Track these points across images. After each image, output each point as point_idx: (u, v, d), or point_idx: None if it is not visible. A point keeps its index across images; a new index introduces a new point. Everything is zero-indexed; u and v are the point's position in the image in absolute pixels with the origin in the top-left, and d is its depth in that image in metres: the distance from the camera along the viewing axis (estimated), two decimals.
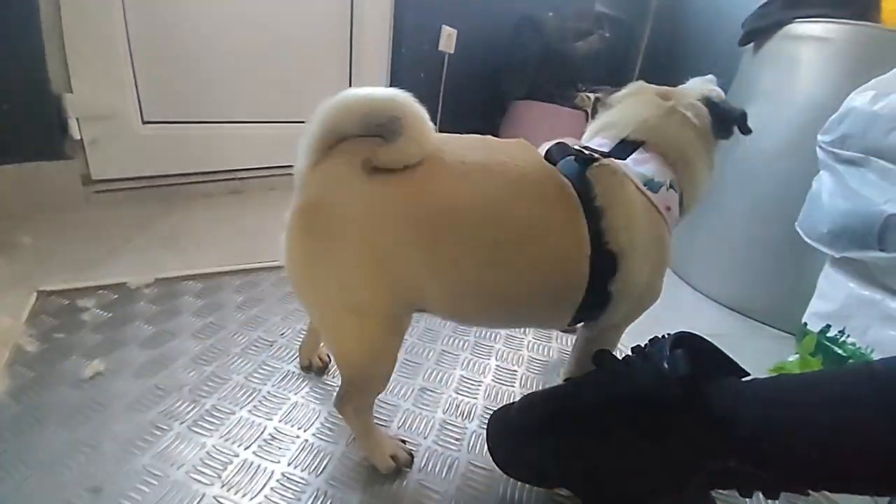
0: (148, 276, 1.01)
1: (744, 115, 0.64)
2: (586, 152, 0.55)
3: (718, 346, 0.55)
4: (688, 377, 0.49)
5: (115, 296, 0.96)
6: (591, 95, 2.31)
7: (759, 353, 1.03)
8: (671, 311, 1.21)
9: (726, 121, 0.63)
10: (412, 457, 0.63)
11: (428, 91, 2.15)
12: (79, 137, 1.32)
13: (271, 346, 0.85)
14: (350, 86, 1.96)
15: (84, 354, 0.78)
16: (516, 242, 0.50)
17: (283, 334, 0.88)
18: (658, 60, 3.28)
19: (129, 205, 1.42)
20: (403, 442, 0.65)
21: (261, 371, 0.79)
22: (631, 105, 0.64)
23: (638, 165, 0.58)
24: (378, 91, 0.47)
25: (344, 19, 1.80)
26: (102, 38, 1.29)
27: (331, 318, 0.53)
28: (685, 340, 0.54)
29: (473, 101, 2.39)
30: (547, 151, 0.57)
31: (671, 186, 0.59)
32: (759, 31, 1.15)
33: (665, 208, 0.58)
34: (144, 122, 1.44)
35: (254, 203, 1.59)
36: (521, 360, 0.89)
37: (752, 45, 1.21)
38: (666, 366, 0.51)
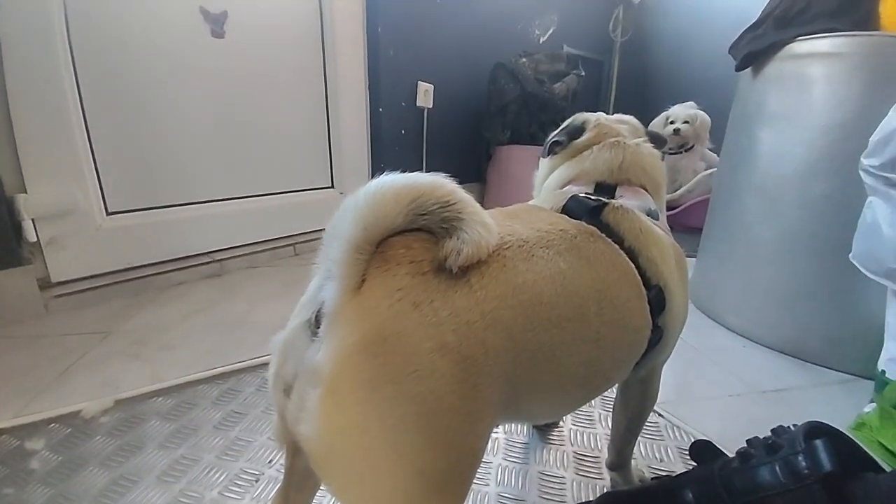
0: (106, 400, 0.86)
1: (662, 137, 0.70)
2: (592, 200, 0.54)
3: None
4: (833, 474, 0.43)
5: (68, 430, 0.80)
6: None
7: (828, 405, 0.91)
8: (714, 361, 1.08)
9: (660, 142, 0.68)
10: None
11: (411, 146, 2.10)
12: (35, 239, 1.19)
13: (256, 482, 0.69)
14: (330, 153, 1.93)
15: None
16: (598, 312, 0.44)
17: (270, 462, 0.72)
18: (630, 92, 3.35)
19: (92, 306, 1.27)
20: None
21: None
22: (602, 150, 0.63)
23: (630, 201, 0.57)
24: (422, 175, 0.36)
25: (318, 82, 1.76)
26: (58, 130, 1.19)
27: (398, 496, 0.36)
28: (820, 432, 0.48)
29: (457, 150, 2.35)
30: (564, 207, 0.54)
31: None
32: (756, 55, 1.09)
33: (668, 232, 0.59)
34: (109, 214, 1.33)
35: (233, 285, 1.46)
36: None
37: (749, 69, 1.15)
38: (802, 461, 0.45)
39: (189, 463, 0.72)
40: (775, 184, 1.07)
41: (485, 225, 0.37)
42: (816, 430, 0.47)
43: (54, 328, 1.15)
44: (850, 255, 0.81)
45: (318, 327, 0.36)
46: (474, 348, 0.35)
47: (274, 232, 1.70)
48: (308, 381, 0.35)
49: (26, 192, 1.16)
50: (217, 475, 0.70)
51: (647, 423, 0.83)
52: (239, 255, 1.60)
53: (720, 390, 0.98)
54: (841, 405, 0.87)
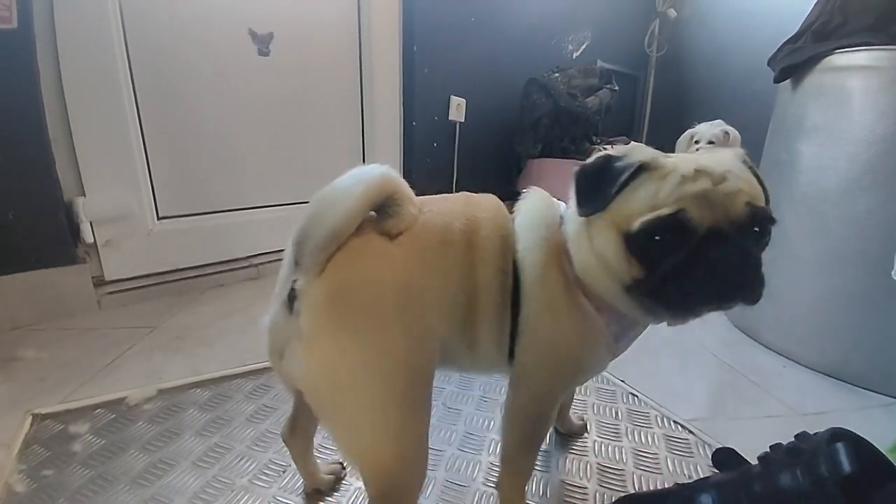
0: (150, 389, 0.91)
1: None
2: None
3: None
4: (852, 478, 0.43)
5: (112, 415, 0.85)
6: (607, 148, 2.29)
7: (871, 429, 0.85)
8: (751, 380, 1.04)
9: None
10: None
11: (442, 158, 2.14)
12: (92, 241, 1.29)
13: (283, 472, 0.71)
14: (364, 161, 1.99)
15: (70, 499, 0.66)
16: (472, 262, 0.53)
17: None
18: (666, 108, 3.30)
19: (140, 303, 1.36)
20: None
21: None
22: None
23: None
24: (374, 172, 0.48)
25: (355, 98, 1.83)
26: (116, 141, 1.29)
27: (366, 418, 0.46)
28: (842, 437, 0.47)
29: (488, 163, 2.37)
30: None
31: None
32: (795, 68, 1.07)
33: None
34: (160, 219, 1.42)
35: (269, 287, 1.50)
36: None
37: (787, 81, 1.12)
38: (823, 465, 0.44)
39: (223, 451, 0.76)
40: (817, 198, 1.04)
41: (413, 204, 0.50)
42: (839, 435, 0.46)
43: (105, 322, 1.24)
44: (893, 273, 0.77)
45: (292, 303, 0.46)
46: (407, 279, 0.47)
47: None
48: (294, 339, 0.46)
49: (84, 196, 1.26)
50: (248, 464, 0.73)
51: (677, 440, 0.82)
52: (275, 260, 1.67)
53: (757, 410, 0.94)
54: (885, 429, 0.82)
